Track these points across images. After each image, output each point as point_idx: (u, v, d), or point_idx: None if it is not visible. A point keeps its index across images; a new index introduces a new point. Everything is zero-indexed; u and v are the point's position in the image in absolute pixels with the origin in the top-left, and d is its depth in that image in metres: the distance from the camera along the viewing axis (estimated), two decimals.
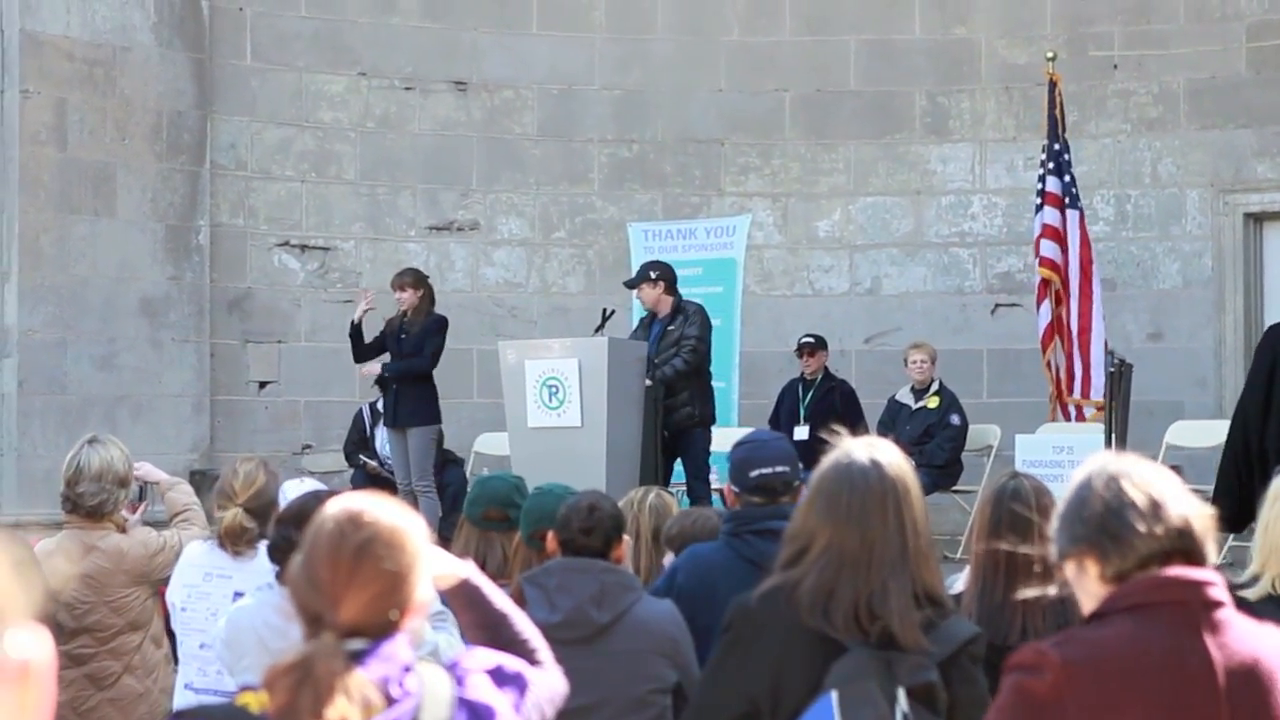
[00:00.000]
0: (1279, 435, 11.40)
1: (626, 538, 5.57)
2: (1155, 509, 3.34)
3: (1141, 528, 3.32)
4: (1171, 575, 3.31)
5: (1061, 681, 3.26)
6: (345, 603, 3.10)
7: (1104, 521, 3.35)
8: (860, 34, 16.60)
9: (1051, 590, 4.11)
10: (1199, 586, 3.31)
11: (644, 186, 16.74)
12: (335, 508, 3.20)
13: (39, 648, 1.82)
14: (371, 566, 3.13)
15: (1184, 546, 3.34)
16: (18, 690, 1.80)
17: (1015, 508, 5.11)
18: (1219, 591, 3.33)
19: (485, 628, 3.69)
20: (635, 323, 13.73)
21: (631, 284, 13.31)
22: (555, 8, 16.59)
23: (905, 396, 14.56)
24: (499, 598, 3.74)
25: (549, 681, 3.54)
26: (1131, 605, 3.31)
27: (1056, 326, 14.60)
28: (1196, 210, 15.91)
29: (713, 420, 13.26)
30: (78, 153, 14.66)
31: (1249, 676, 3.29)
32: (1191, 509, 3.38)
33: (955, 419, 14.34)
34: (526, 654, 3.61)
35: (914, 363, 14.49)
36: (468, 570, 3.71)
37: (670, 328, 12.94)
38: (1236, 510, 11.14)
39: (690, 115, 16.79)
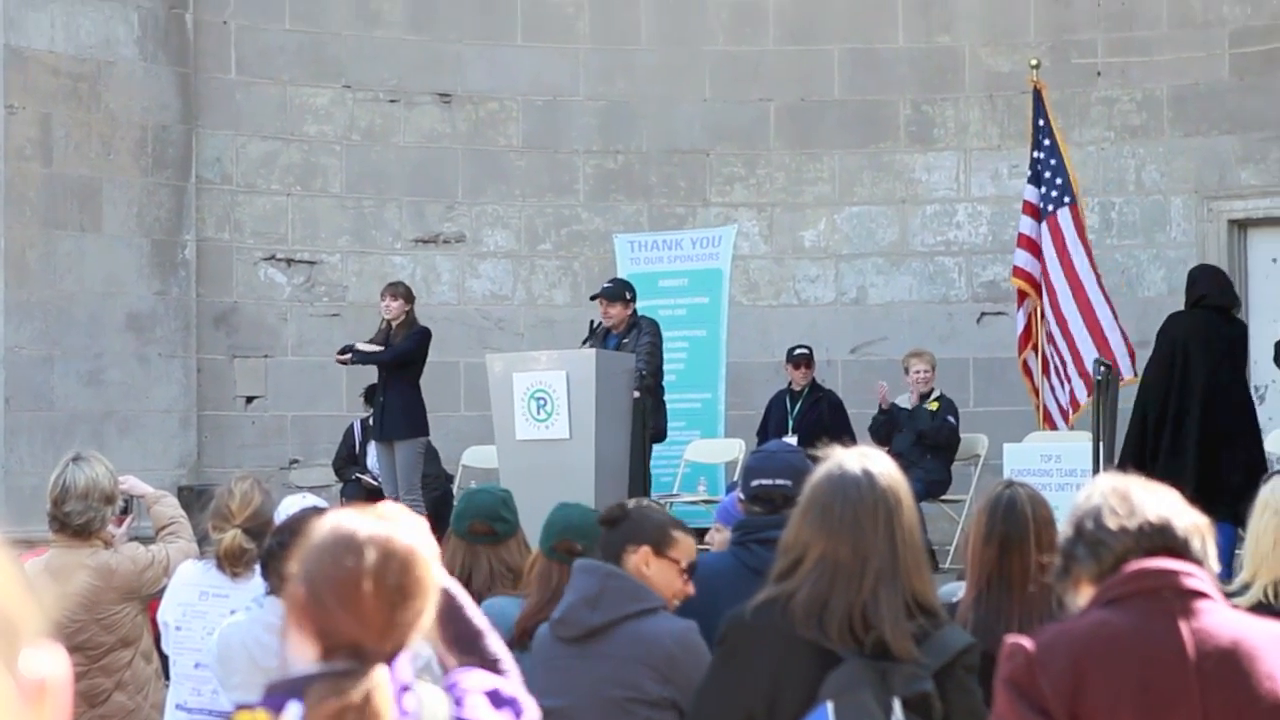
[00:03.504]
0: (1175, 421, 11.88)
1: (644, 549, 5.51)
2: (1129, 507, 3.37)
3: (1113, 525, 3.36)
4: (1143, 566, 3.34)
5: (1035, 665, 3.32)
6: (392, 631, 3.03)
7: (1082, 529, 3.39)
8: (844, 43, 16.61)
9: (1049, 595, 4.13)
10: (1172, 575, 3.33)
11: (629, 197, 16.75)
12: (367, 531, 3.08)
13: (55, 666, 1.83)
14: (413, 594, 3.05)
15: (1166, 544, 3.36)
16: (34, 708, 1.80)
17: (1010, 516, 5.14)
18: (1197, 581, 3.34)
19: (460, 642, 3.65)
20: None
21: (607, 296, 13.27)
22: (539, 19, 16.59)
23: (904, 402, 14.47)
24: (476, 614, 3.71)
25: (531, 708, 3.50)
26: (1109, 600, 3.34)
27: (1028, 334, 14.64)
28: (1181, 217, 15.94)
29: (663, 435, 13.34)
30: (63, 168, 14.64)
31: (1225, 658, 3.30)
32: (1176, 512, 3.40)
33: (951, 419, 14.30)
34: (497, 675, 3.56)
35: (916, 373, 14.41)
36: (446, 582, 3.66)
37: (625, 340, 13.03)
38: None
39: (675, 126, 16.79)
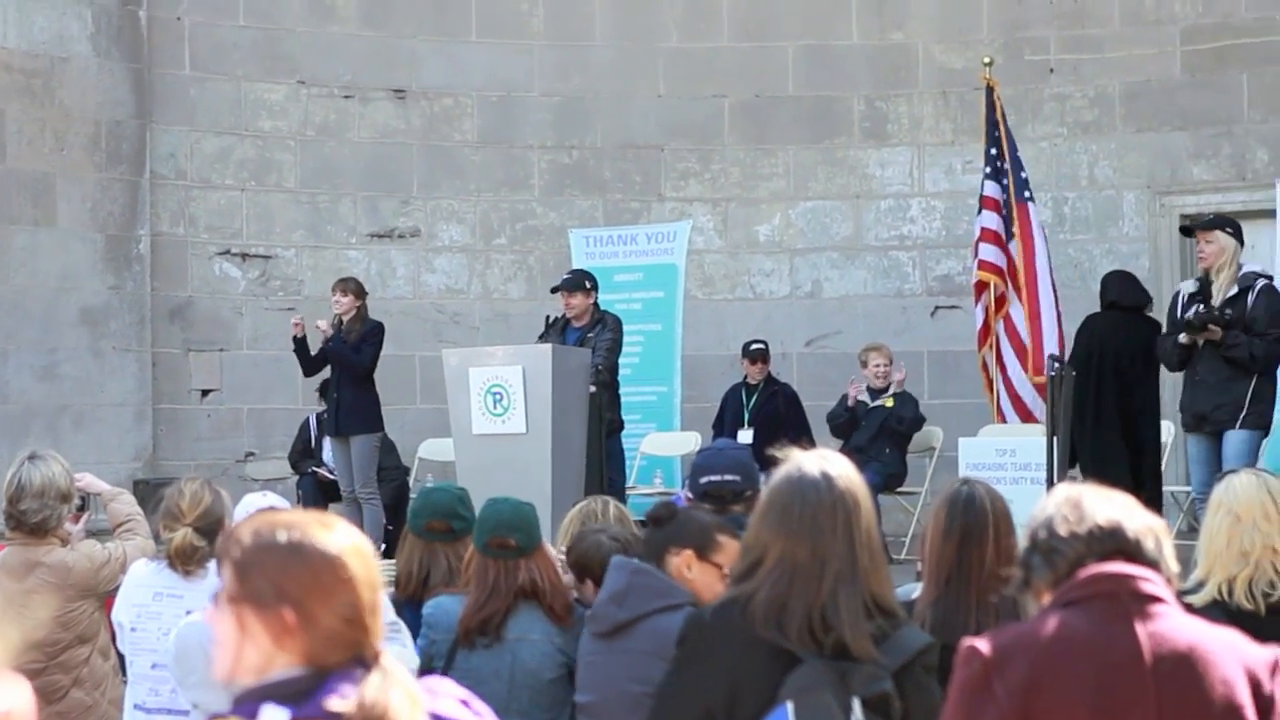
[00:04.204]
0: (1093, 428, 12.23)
1: (687, 552, 5.50)
2: (1079, 514, 3.40)
3: (1064, 531, 3.38)
4: (1099, 571, 3.36)
5: (990, 666, 3.34)
6: (380, 630, 3.03)
7: (1036, 539, 3.42)
8: (798, 39, 16.65)
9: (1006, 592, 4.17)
10: (1128, 579, 3.35)
11: (584, 193, 16.76)
12: (336, 540, 3.02)
13: (17, 698, 1.84)
14: (380, 590, 3.08)
15: (1118, 547, 3.38)
16: None
17: (970, 509, 5.18)
18: (1153, 586, 3.36)
19: None
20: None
21: (567, 287, 13.28)
22: (494, 15, 16.60)
23: (862, 395, 14.46)
24: None
25: None
26: (1065, 603, 3.36)
27: (986, 330, 14.61)
28: (1133, 212, 16.04)
29: (621, 427, 13.36)
30: (17, 163, 14.60)
31: (1181, 663, 3.32)
32: (1127, 515, 3.42)
33: (910, 410, 14.30)
34: None
35: (874, 366, 14.43)
36: None
37: (589, 335, 13.04)
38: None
39: (630, 121, 16.81)
